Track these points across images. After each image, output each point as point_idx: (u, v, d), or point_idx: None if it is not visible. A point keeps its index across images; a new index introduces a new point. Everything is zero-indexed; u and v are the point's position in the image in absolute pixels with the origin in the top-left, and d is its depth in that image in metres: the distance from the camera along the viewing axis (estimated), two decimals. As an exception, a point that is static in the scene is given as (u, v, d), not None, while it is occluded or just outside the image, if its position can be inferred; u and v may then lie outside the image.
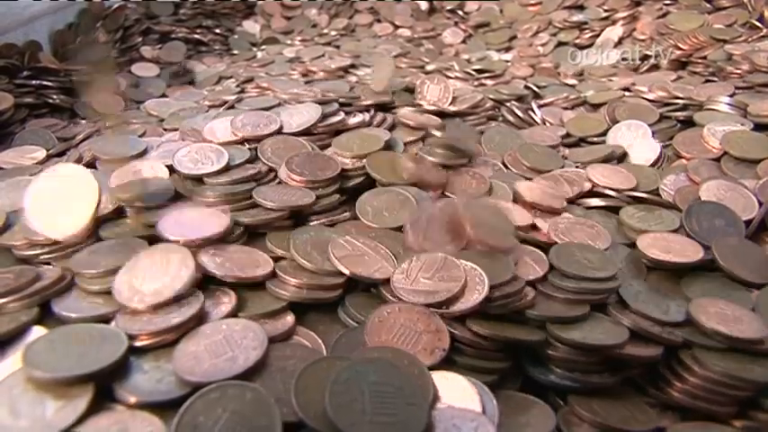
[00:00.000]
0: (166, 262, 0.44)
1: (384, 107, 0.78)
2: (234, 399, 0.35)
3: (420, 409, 0.35)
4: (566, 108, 0.87)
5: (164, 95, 1.02)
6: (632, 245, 0.55)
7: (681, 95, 0.82)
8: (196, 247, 0.47)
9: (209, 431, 0.33)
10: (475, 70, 1.07)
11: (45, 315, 0.42)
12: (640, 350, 0.44)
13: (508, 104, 0.85)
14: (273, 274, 0.47)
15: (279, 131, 0.65)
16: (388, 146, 0.66)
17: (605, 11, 1.27)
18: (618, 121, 0.77)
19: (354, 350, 0.41)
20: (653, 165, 0.69)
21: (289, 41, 1.35)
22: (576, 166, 0.68)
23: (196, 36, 1.30)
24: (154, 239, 0.48)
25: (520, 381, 0.44)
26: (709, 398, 0.43)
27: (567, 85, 0.99)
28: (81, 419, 0.34)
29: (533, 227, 0.55)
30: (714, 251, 0.52)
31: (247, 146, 0.63)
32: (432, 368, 0.40)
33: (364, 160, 0.62)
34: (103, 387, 0.36)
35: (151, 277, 0.43)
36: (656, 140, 0.72)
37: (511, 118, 0.83)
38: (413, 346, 0.41)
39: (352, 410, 0.34)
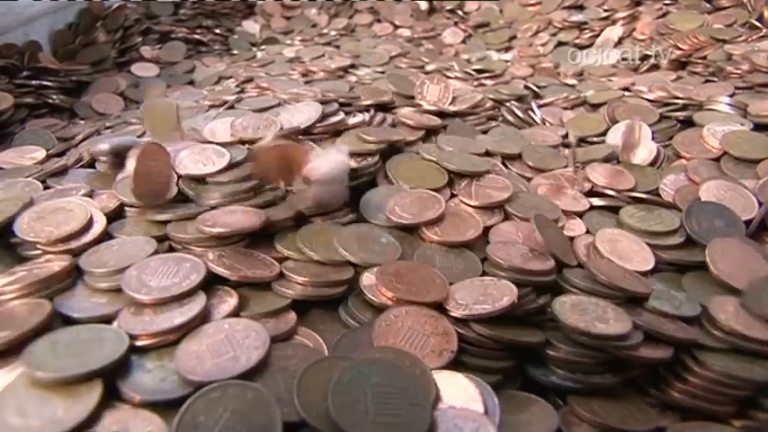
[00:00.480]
0: (178, 264, 0.45)
1: (384, 107, 0.78)
2: (235, 398, 0.35)
3: (423, 410, 0.36)
4: (566, 108, 0.87)
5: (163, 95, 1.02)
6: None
7: (681, 95, 0.82)
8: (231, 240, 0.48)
9: (210, 430, 0.33)
10: (475, 70, 1.07)
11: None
12: (651, 351, 0.43)
13: (508, 104, 0.85)
14: (280, 275, 0.47)
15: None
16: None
17: (605, 11, 1.27)
18: (618, 121, 0.77)
19: (356, 350, 0.41)
20: (651, 164, 0.69)
21: (288, 41, 1.35)
22: (576, 166, 0.68)
23: (196, 36, 1.30)
24: (162, 239, 0.49)
25: (519, 380, 0.44)
26: (708, 397, 0.43)
27: (567, 85, 0.99)
28: (92, 416, 0.34)
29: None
30: (707, 254, 0.52)
31: (247, 147, 0.63)
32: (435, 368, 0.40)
33: (370, 159, 0.63)
34: (109, 384, 0.36)
35: (161, 275, 0.44)
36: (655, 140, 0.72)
37: (511, 118, 0.83)
38: (421, 348, 0.41)
39: (355, 411, 0.34)
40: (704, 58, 0.99)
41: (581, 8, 1.31)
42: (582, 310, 0.44)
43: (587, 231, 0.57)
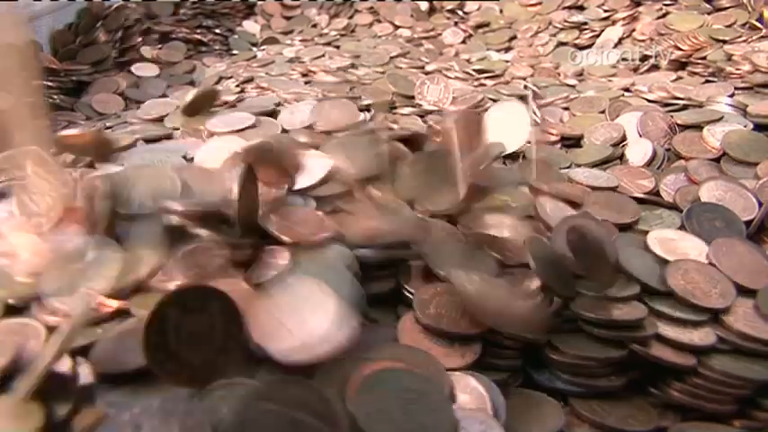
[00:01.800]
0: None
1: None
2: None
3: (447, 414, 0.35)
4: (566, 108, 0.87)
5: (164, 95, 1.02)
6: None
7: (681, 95, 0.82)
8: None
9: (214, 427, 0.33)
10: (475, 70, 1.07)
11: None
12: (673, 356, 0.43)
13: (508, 104, 0.85)
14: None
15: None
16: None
17: (605, 11, 1.27)
18: (618, 122, 0.77)
19: (369, 350, 0.40)
20: (648, 163, 0.69)
21: (289, 41, 1.35)
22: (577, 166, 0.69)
23: (196, 36, 1.30)
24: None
25: (521, 377, 0.44)
26: (709, 397, 0.43)
27: (567, 85, 0.99)
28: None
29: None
30: (710, 255, 0.52)
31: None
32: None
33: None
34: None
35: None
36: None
37: (511, 118, 0.83)
38: (444, 347, 0.41)
39: (380, 419, 0.34)
40: (704, 58, 0.99)
41: (581, 8, 1.31)
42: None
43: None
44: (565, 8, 1.32)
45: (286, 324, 0.37)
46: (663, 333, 0.44)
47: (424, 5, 1.48)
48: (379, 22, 1.43)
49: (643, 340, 0.44)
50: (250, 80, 0.97)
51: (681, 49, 1.04)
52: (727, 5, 1.12)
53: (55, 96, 0.92)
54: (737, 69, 0.89)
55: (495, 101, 0.86)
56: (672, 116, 0.75)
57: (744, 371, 0.43)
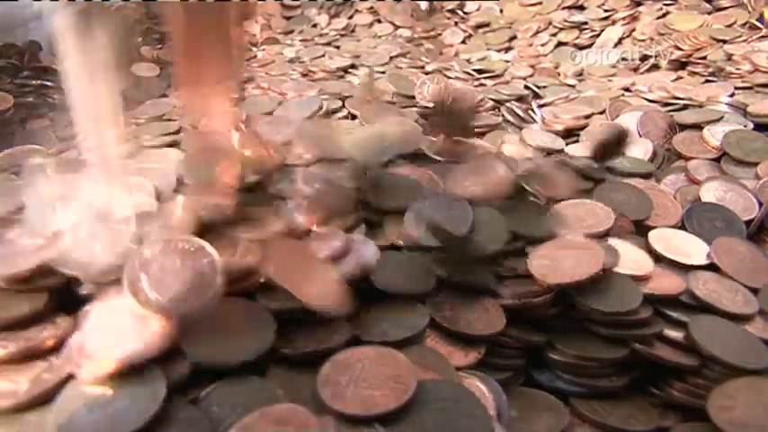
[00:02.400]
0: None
1: (385, 107, 0.78)
2: (250, 394, 0.35)
3: (483, 420, 0.34)
4: (566, 108, 0.87)
5: (164, 95, 1.02)
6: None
7: (681, 95, 0.82)
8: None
9: (222, 422, 0.33)
10: (475, 70, 1.07)
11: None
12: (676, 356, 0.43)
13: (508, 104, 0.86)
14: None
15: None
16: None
17: (605, 11, 1.26)
18: (618, 122, 0.77)
19: None
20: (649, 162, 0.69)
21: (289, 41, 1.35)
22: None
23: (196, 36, 1.29)
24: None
25: (522, 377, 0.44)
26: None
27: (567, 85, 0.99)
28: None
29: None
30: (713, 254, 0.52)
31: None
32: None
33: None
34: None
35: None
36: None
37: (511, 118, 0.83)
38: (448, 346, 0.41)
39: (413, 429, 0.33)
40: (704, 58, 0.99)
41: (581, 8, 1.31)
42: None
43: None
44: (565, 8, 1.32)
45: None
46: (665, 333, 0.44)
47: (424, 5, 1.48)
48: (379, 22, 1.43)
49: (646, 339, 0.44)
50: (250, 80, 0.97)
51: (681, 49, 1.04)
52: (727, 5, 1.12)
53: (56, 96, 0.92)
54: (737, 69, 0.90)
55: (495, 101, 0.86)
56: (672, 116, 0.75)
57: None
